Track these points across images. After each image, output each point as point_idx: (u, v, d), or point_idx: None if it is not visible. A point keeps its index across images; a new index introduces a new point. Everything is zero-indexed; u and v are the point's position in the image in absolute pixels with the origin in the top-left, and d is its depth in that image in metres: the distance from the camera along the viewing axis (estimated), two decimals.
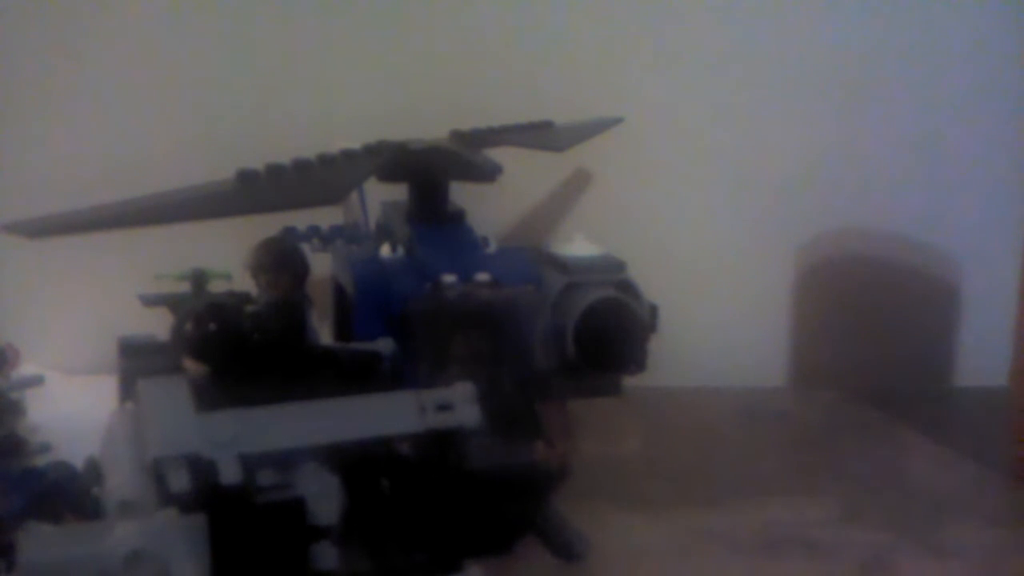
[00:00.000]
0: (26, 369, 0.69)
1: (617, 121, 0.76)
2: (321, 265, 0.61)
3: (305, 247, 0.54)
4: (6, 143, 0.79)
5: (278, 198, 0.48)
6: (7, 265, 0.79)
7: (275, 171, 0.48)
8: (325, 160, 0.51)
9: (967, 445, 0.71)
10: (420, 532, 0.42)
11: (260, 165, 0.49)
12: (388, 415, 0.41)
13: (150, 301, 0.52)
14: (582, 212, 0.82)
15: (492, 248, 0.58)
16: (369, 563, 0.41)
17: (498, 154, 0.61)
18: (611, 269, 0.57)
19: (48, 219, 0.44)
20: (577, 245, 0.59)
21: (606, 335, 0.55)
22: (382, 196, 0.64)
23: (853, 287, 0.85)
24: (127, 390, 0.43)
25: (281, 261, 0.50)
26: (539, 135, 0.67)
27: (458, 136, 0.62)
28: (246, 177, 0.47)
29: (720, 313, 0.84)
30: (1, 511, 0.45)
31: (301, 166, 0.50)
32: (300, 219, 0.63)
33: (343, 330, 0.61)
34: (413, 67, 0.80)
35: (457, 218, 0.60)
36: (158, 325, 0.47)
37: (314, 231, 0.63)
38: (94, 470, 0.40)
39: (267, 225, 0.54)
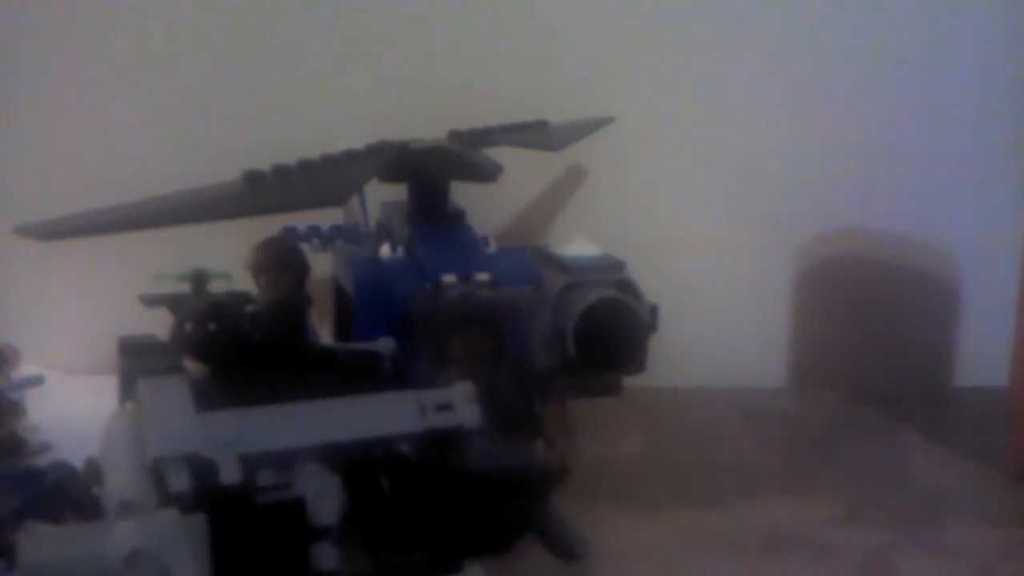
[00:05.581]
0: (26, 369, 0.69)
1: (609, 120, 0.76)
2: (321, 265, 0.61)
3: (305, 247, 0.54)
4: (7, 144, 0.79)
5: (285, 199, 0.48)
6: (7, 265, 0.79)
7: (282, 172, 0.48)
8: (329, 161, 0.51)
9: (967, 445, 0.71)
10: (420, 532, 0.42)
11: (261, 165, 0.49)
12: (388, 415, 0.41)
13: (150, 301, 0.52)
14: (582, 212, 0.83)
15: (492, 248, 0.58)
16: (369, 563, 0.41)
17: (498, 154, 0.61)
18: (611, 269, 0.57)
19: (61, 221, 0.45)
20: (577, 245, 0.59)
21: (606, 335, 0.55)
22: (382, 196, 0.65)
23: (853, 287, 0.85)
24: (127, 390, 0.43)
25: (281, 261, 0.50)
26: (534, 135, 0.67)
27: (456, 136, 0.62)
28: (253, 178, 0.48)
29: (720, 313, 0.84)
30: (1, 511, 0.45)
31: (306, 167, 0.50)
32: (300, 219, 0.63)
33: (343, 330, 0.61)
34: (413, 67, 0.80)
35: (457, 218, 0.60)
36: (158, 325, 0.47)
37: (314, 231, 0.64)
38: (94, 470, 0.40)
39: (268, 225, 0.55)
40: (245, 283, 0.51)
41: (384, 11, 0.80)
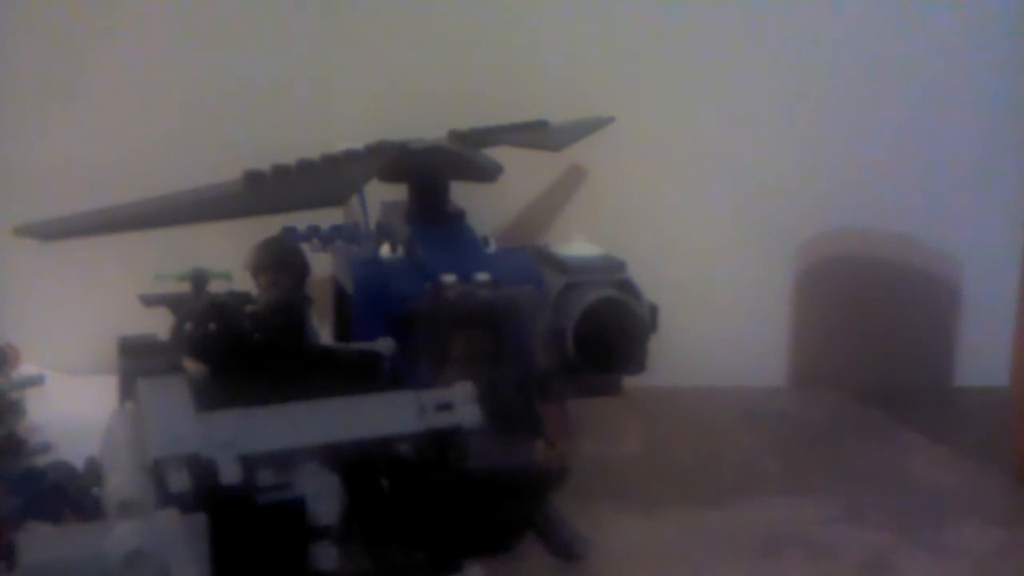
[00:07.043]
0: (26, 369, 0.69)
1: (609, 120, 0.76)
2: (321, 265, 0.61)
3: (305, 247, 0.54)
4: (7, 144, 0.79)
5: (285, 199, 0.48)
6: (7, 265, 0.79)
7: (281, 172, 0.48)
8: (329, 161, 0.51)
9: (967, 445, 0.71)
10: (420, 532, 0.42)
11: (261, 165, 0.49)
12: (388, 415, 0.41)
13: (150, 301, 0.52)
14: (582, 212, 0.83)
15: (492, 248, 0.58)
16: (369, 563, 0.41)
17: (498, 154, 0.61)
18: (611, 269, 0.57)
19: (60, 221, 0.45)
20: (577, 245, 0.59)
21: (606, 335, 0.55)
22: (382, 196, 0.65)
23: (853, 287, 0.85)
24: (127, 390, 0.43)
25: (281, 261, 0.50)
26: (534, 135, 0.67)
27: (456, 136, 0.62)
28: (253, 178, 0.48)
29: (720, 313, 0.84)
30: (1, 511, 0.45)
31: (306, 167, 0.50)
32: (300, 219, 0.63)
33: (343, 330, 0.61)
34: (413, 67, 0.80)
35: (457, 218, 0.60)
36: (158, 325, 0.47)
37: (314, 231, 0.63)
38: (94, 470, 0.40)
39: (267, 225, 0.55)
40: (245, 283, 0.51)
41: (384, 11, 0.80)
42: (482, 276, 0.52)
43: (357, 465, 0.40)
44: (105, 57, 0.79)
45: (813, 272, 0.85)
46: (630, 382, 0.57)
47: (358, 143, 0.55)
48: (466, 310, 0.51)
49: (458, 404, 0.42)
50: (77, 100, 0.79)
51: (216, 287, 0.54)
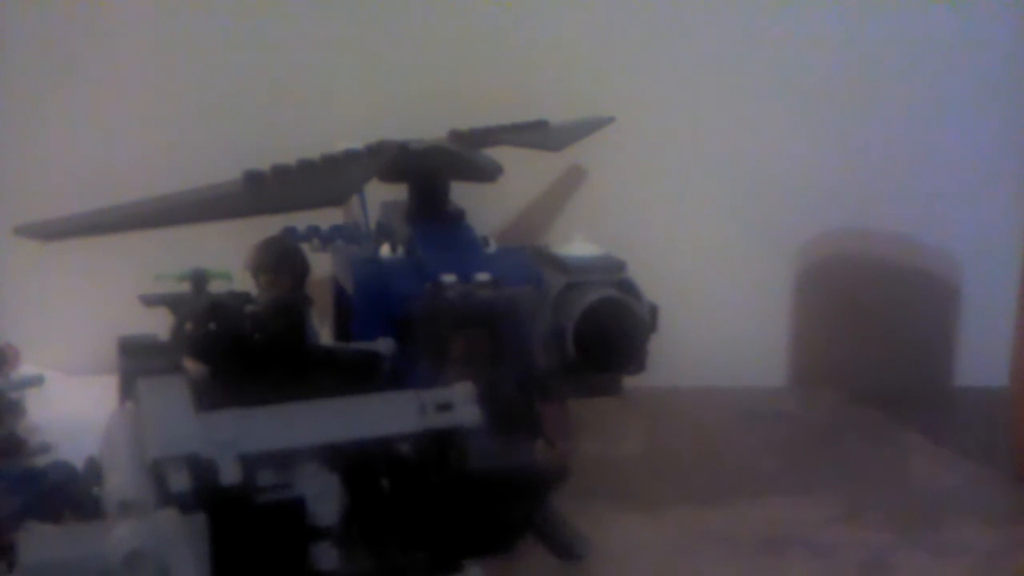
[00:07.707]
0: (26, 369, 0.69)
1: (609, 120, 0.76)
2: (321, 265, 0.61)
3: (305, 247, 0.54)
4: (7, 144, 0.79)
5: (285, 199, 0.48)
6: (7, 265, 0.79)
7: (281, 172, 0.48)
8: (329, 161, 0.51)
9: (967, 445, 0.71)
10: (420, 532, 0.42)
11: (261, 165, 0.49)
12: (388, 415, 0.41)
13: (150, 301, 0.52)
14: (582, 212, 0.83)
15: (492, 248, 0.58)
16: (369, 563, 0.41)
17: (498, 154, 0.61)
18: (611, 269, 0.57)
19: (60, 221, 0.45)
20: (577, 245, 0.59)
21: (606, 335, 0.55)
22: (382, 196, 0.65)
23: (853, 287, 0.85)
24: (127, 390, 0.43)
25: (281, 261, 0.50)
26: (534, 135, 0.67)
27: (456, 136, 0.62)
28: (253, 178, 0.48)
29: (720, 313, 0.84)
30: (1, 511, 0.45)
31: (306, 167, 0.50)
32: (300, 219, 0.63)
33: (343, 330, 0.61)
34: (413, 67, 0.80)
35: (457, 218, 0.60)
36: (158, 325, 0.47)
37: (314, 231, 0.64)
38: (94, 470, 0.40)
39: (267, 225, 0.55)
40: (245, 283, 0.51)
41: (384, 11, 0.80)
42: (482, 276, 0.52)
43: (357, 465, 0.40)
44: (105, 57, 0.79)
45: (813, 272, 0.85)
46: (630, 382, 0.57)
47: (358, 143, 0.55)
48: (466, 310, 0.51)
49: (458, 404, 0.42)
50: (77, 100, 0.79)
51: (216, 287, 0.54)
